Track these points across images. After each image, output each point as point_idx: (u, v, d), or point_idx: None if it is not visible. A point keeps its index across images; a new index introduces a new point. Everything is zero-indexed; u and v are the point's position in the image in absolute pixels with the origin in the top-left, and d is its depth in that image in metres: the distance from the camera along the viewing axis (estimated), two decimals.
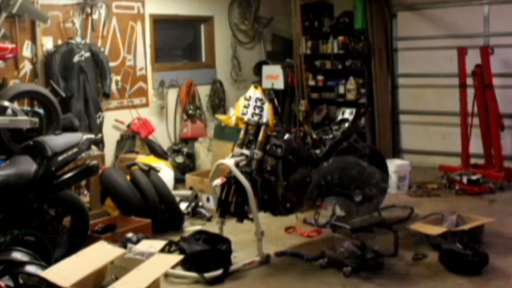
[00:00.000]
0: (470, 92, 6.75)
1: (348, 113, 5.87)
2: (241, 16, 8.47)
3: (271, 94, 7.79)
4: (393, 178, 6.38)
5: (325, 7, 8.57)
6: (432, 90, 7.77)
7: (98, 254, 3.73)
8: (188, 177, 6.35)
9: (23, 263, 3.46)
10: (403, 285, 4.16)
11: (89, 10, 6.57)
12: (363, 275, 4.29)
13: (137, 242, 4.51)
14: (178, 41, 8.40)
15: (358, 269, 4.29)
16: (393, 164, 6.46)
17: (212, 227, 5.06)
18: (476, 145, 6.91)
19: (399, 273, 4.34)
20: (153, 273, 3.50)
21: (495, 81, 6.68)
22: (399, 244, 4.54)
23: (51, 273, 3.37)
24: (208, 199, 5.88)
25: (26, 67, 6.11)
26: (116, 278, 3.52)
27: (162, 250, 4.23)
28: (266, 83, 8.00)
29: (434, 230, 4.72)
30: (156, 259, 3.76)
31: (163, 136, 7.56)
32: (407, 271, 4.37)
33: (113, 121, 7.02)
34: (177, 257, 3.94)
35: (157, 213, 5.32)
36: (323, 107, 8.32)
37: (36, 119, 5.05)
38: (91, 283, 3.51)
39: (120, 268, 3.63)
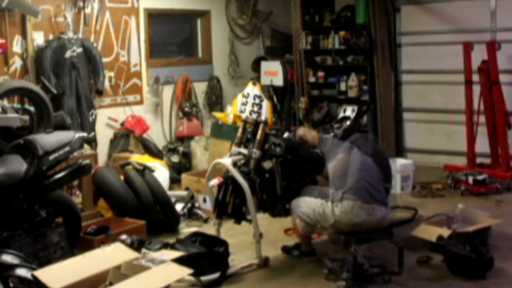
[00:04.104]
0: (476, 89, 6.71)
1: (349, 111, 5.86)
2: (239, 10, 8.43)
3: (270, 91, 7.74)
4: (396, 178, 6.29)
5: (326, 0, 8.51)
6: (436, 87, 7.71)
7: (106, 257, 3.63)
8: (184, 177, 6.34)
9: (13, 266, 3.40)
10: None
11: (81, 4, 6.51)
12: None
13: (131, 244, 4.42)
14: (173, 36, 8.34)
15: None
16: (396, 164, 6.39)
17: (209, 229, 5.02)
18: (482, 144, 6.85)
19: (403, 275, 4.24)
20: (150, 285, 3.29)
21: (502, 78, 6.63)
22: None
23: (45, 273, 3.31)
24: (204, 200, 5.86)
25: (16, 63, 6.07)
26: (111, 284, 3.41)
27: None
28: (265, 80, 7.97)
29: (437, 232, 4.62)
30: (162, 269, 3.52)
31: (158, 135, 7.51)
32: (411, 274, 4.29)
33: (106, 119, 6.97)
34: (184, 270, 3.66)
35: (152, 214, 5.29)
36: (323, 105, 8.26)
37: (26, 117, 4.97)
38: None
39: (121, 274, 3.47)
